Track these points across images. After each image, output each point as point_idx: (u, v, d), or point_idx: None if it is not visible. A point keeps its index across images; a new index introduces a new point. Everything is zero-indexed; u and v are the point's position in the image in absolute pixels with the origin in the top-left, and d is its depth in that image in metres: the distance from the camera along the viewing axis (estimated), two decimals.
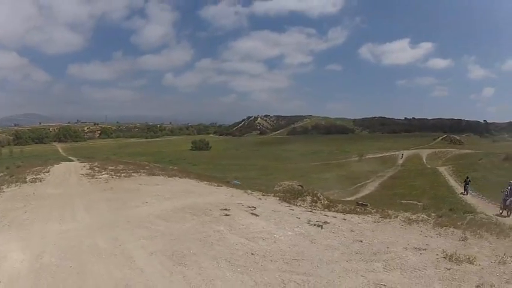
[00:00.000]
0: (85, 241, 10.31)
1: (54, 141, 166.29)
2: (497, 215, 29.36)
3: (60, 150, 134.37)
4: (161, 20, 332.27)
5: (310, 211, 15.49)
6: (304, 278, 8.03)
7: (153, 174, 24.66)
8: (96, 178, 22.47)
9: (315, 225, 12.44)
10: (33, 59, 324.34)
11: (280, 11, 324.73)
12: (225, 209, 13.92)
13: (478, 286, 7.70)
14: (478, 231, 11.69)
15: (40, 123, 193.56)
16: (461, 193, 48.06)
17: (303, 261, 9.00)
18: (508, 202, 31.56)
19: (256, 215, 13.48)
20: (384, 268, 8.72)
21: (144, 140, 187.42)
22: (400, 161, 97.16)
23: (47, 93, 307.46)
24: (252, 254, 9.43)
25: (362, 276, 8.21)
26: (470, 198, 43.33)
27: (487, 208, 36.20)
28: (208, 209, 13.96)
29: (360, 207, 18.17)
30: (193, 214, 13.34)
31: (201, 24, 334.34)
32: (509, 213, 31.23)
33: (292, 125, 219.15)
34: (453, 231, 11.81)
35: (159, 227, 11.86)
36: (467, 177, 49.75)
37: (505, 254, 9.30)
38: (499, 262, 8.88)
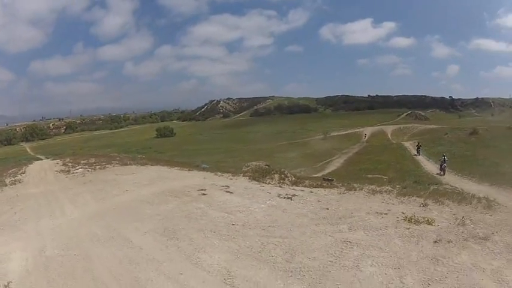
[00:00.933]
0: (81, 231, 11.03)
1: (22, 141, 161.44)
2: (437, 174, 42.97)
3: (29, 150, 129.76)
4: (120, 9, 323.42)
5: (279, 187, 16.70)
6: (280, 240, 9.31)
7: (126, 164, 25.08)
8: (72, 173, 22.57)
9: (285, 198, 13.66)
10: None
11: None
12: (202, 189, 14.97)
13: (435, 241, 8.80)
14: (440, 199, 12.87)
15: (7, 124, 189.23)
16: (414, 155, 58.63)
17: (277, 227, 10.28)
18: (442, 167, 43.14)
19: (231, 193, 14.60)
20: (348, 229, 9.95)
21: (108, 131, 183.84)
22: (365, 138, 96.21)
23: (11, 93, 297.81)
24: (233, 224, 10.68)
25: (330, 236, 9.47)
26: (437, 171, 44.19)
27: (453, 180, 37.48)
28: (186, 191, 14.96)
29: (326, 182, 19.06)
30: (174, 196, 14.31)
31: (161, 11, 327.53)
32: (443, 173, 42.30)
33: (255, 107, 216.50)
34: (415, 200, 13.00)
35: (146, 210, 12.78)
36: (419, 143, 62.45)
37: (463, 217, 10.44)
38: (458, 224, 10.00)
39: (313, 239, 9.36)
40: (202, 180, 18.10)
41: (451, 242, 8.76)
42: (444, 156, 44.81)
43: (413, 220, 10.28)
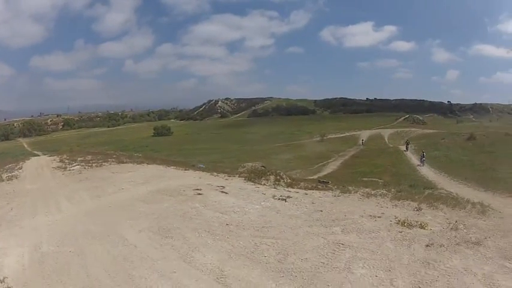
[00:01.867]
0: (76, 228, 11.11)
1: (19, 137, 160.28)
2: (418, 165, 53.18)
3: (26, 146, 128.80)
4: (122, 6, 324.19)
5: (274, 188, 16.81)
6: (273, 240, 9.40)
7: (122, 162, 25.21)
8: (69, 170, 22.72)
9: (279, 199, 13.76)
10: None
11: None
12: (197, 189, 15.00)
13: (427, 245, 8.85)
14: (434, 203, 12.97)
15: (5, 119, 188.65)
16: (404, 150, 68.58)
17: (271, 228, 10.38)
18: (422, 160, 54.44)
19: (226, 193, 14.69)
20: (341, 231, 10.04)
21: (106, 128, 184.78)
22: (362, 142, 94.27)
23: (10, 88, 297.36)
24: (227, 224, 10.77)
25: (322, 238, 9.55)
26: (432, 175, 44.59)
27: (449, 185, 37.41)
28: (182, 190, 15.03)
29: (322, 184, 19.31)
30: (169, 195, 14.40)
31: (162, 9, 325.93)
32: (423, 164, 52.94)
33: (253, 108, 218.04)
34: (409, 203, 13.10)
35: (141, 208, 12.86)
36: (408, 140, 76.10)
37: (456, 221, 10.52)
38: (451, 228, 10.08)
39: (306, 240, 9.44)
40: (198, 180, 18.19)
41: (443, 246, 8.79)
42: (423, 152, 56.92)
43: (406, 224, 10.35)
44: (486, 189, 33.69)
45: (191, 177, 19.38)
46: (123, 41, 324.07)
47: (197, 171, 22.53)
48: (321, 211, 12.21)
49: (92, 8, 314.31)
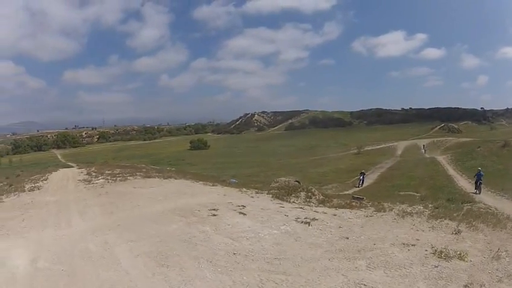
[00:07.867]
0: (77, 245, 10.55)
1: (53, 148, 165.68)
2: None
3: (59, 157, 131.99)
4: (156, 22, 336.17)
5: (301, 208, 15.47)
6: (283, 277, 8.04)
7: (149, 177, 24.65)
8: (93, 183, 22.53)
9: (302, 222, 12.48)
10: (29, 67, 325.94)
11: (274, 9, 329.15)
12: (214, 209, 14.01)
13: (466, 286, 7.47)
14: (474, 222, 11.54)
15: (38, 131, 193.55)
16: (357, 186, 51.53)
17: (284, 260, 9.04)
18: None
19: (244, 214, 13.54)
20: (367, 266, 8.62)
21: (142, 142, 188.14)
22: (399, 152, 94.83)
23: (43, 101, 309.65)
24: (234, 253, 9.52)
25: (343, 275, 8.13)
26: (470, 187, 42.03)
27: (486, 197, 35.65)
28: (197, 210, 14.06)
29: (356, 201, 18.08)
30: (182, 215, 13.45)
31: (195, 25, 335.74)
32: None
33: (290, 121, 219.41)
34: (447, 224, 11.71)
35: (147, 229, 12.00)
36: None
37: (499, 249, 9.12)
38: (492, 257, 8.72)
39: (322, 278, 8.04)
40: (220, 198, 17.40)
41: (484, 286, 7.44)
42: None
43: (443, 255, 8.92)
44: None
45: (215, 194, 18.63)
46: (157, 56, 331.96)
47: (224, 187, 21.89)
48: (347, 238, 10.90)
49: (126, 23, 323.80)
